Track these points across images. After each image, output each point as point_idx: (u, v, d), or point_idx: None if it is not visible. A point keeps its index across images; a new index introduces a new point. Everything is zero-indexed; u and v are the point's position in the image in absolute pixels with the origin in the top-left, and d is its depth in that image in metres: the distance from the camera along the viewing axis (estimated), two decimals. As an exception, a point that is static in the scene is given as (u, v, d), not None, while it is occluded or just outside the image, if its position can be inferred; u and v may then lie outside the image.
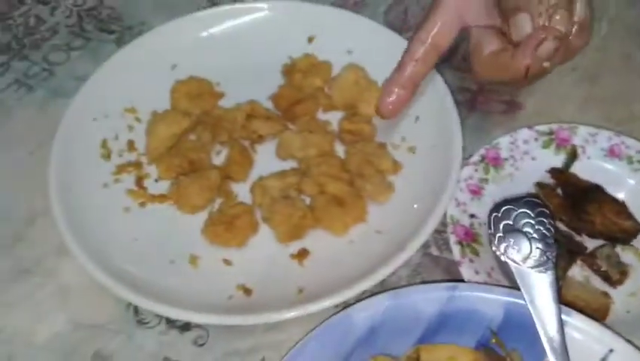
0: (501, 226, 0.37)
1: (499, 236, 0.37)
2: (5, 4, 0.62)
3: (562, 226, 0.44)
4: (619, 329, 0.38)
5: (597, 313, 0.39)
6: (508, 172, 0.46)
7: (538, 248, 0.36)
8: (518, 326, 0.35)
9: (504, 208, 0.37)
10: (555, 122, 0.48)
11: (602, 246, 0.42)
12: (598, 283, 0.42)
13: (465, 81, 0.55)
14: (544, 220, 0.37)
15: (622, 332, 0.37)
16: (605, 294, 0.41)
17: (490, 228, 0.37)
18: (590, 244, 0.43)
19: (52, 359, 0.41)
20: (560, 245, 0.42)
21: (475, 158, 0.46)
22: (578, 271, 0.42)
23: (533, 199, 0.38)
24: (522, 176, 0.45)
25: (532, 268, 0.36)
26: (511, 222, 0.37)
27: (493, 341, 0.35)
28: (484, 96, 0.54)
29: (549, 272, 0.36)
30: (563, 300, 0.40)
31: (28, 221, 0.47)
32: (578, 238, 0.43)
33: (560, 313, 0.34)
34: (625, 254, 0.43)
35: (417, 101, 0.49)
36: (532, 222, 0.37)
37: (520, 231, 0.37)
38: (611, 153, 0.46)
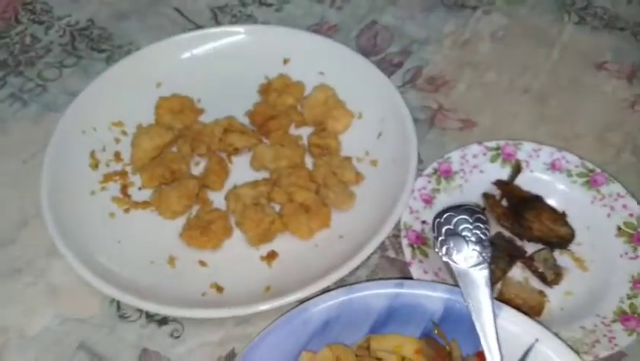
0: (443, 231, 0.42)
1: (441, 239, 0.41)
2: (3, 23, 0.66)
3: (505, 232, 0.49)
4: (555, 323, 0.43)
5: (533, 310, 0.44)
6: (458, 183, 0.50)
7: (474, 250, 0.41)
8: (457, 319, 0.39)
9: (446, 215, 0.42)
10: (505, 138, 0.53)
11: (540, 250, 0.47)
12: (536, 283, 0.46)
13: (426, 100, 0.60)
14: (481, 225, 0.42)
15: (557, 326, 0.42)
16: (541, 293, 0.45)
17: (434, 232, 0.42)
18: (531, 248, 0.48)
19: (41, 349, 0.45)
20: (502, 249, 0.47)
21: (429, 170, 0.51)
22: (518, 273, 0.47)
23: (472, 207, 0.42)
24: (471, 187, 0.50)
25: (469, 267, 0.40)
26: (452, 227, 0.42)
27: (435, 331, 0.40)
28: (443, 114, 0.59)
29: (484, 271, 0.40)
30: (503, 298, 0.45)
31: (21, 224, 0.51)
32: (519, 242, 0.48)
33: (493, 306, 0.39)
34: (563, 258, 0.48)
35: (380, 120, 0.54)
36: (470, 227, 0.42)
37: (459, 235, 0.41)
38: (553, 167, 0.51)
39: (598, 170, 0.50)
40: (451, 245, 0.41)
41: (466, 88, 0.61)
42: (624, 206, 0.48)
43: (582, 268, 0.47)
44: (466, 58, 0.64)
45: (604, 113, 0.59)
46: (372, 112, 0.55)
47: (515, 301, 0.44)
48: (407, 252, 0.45)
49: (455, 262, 0.41)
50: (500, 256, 0.46)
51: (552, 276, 0.45)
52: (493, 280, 0.43)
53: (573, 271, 0.47)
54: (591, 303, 0.44)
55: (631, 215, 0.48)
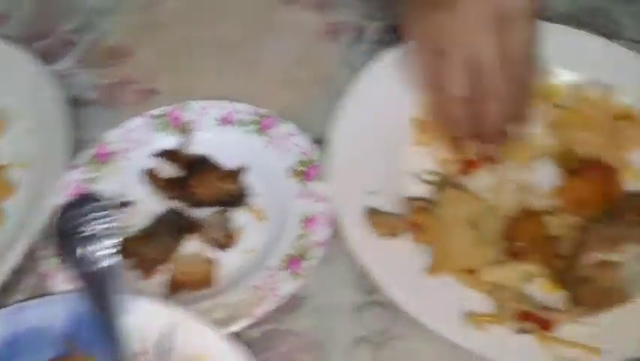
0: (65, 231, 0.36)
1: (60, 242, 0.36)
2: None
3: (176, 204, 0.44)
4: (230, 288, 0.40)
5: (201, 282, 0.41)
6: (120, 165, 0.45)
7: (97, 244, 0.36)
8: (91, 329, 0.35)
9: (65, 214, 0.37)
10: (191, 99, 0.48)
11: (212, 214, 0.44)
12: (212, 251, 0.43)
13: (101, 79, 0.53)
14: (105, 215, 0.37)
15: (232, 291, 0.39)
16: (208, 261, 0.42)
17: (55, 236, 0.36)
18: (206, 213, 0.44)
19: None
20: (172, 225, 0.43)
21: (83, 159, 0.44)
22: (194, 245, 0.43)
23: (92, 196, 0.37)
24: (135, 166, 0.45)
25: (92, 265, 0.35)
26: (71, 226, 0.36)
27: (69, 349, 0.35)
28: (121, 88, 0.53)
29: (111, 265, 0.36)
30: (174, 280, 0.41)
31: None
32: (189, 212, 0.44)
33: (116, 303, 0.34)
34: (243, 215, 0.44)
35: (33, 116, 0.47)
36: (94, 219, 0.37)
37: (78, 232, 0.36)
38: (225, 121, 0.48)
39: (269, 114, 0.48)
40: (77, 245, 0.36)
41: (150, 54, 0.55)
42: (296, 145, 0.46)
43: (262, 220, 0.44)
44: (151, 20, 0.58)
45: (294, 49, 0.56)
46: (25, 109, 0.48)
47: (183, 279, 0.40)
48: (47, 264, 0.39)
49: (75, 264, 0.35)
50: (168, 234, 0.42)
51: (224, 238, 0.42)
52: (145, 268, 0.39)
53: (254, 225, 0.44)
54: (266, 256, 0.42)
55: (304, 153, 0.46)
